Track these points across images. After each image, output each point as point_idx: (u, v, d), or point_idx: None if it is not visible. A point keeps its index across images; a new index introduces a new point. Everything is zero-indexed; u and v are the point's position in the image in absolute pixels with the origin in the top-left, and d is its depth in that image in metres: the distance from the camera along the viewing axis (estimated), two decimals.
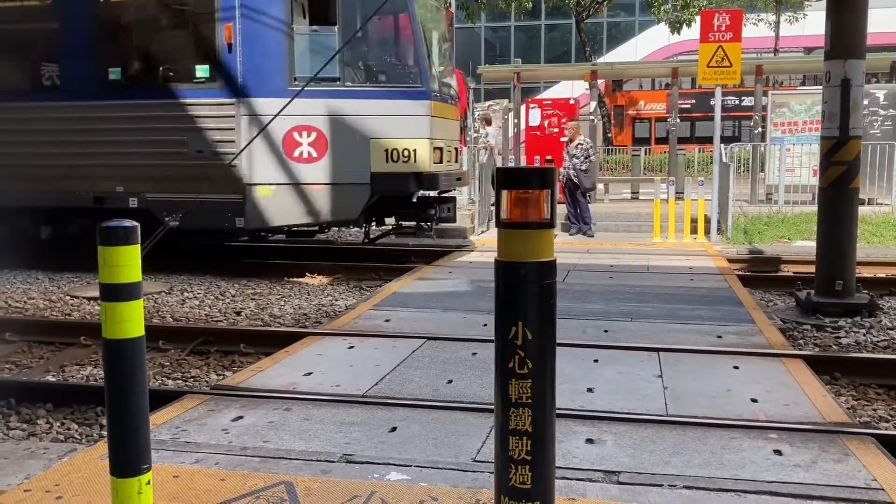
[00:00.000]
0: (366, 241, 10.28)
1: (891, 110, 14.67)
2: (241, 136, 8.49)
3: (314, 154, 8.53)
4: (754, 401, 4.08)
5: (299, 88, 8.23)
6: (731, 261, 9.44)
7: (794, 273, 9.17)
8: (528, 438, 2.10)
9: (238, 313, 7.40)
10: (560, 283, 7.77)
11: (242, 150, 8.43)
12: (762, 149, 15.59)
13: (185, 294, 8.32)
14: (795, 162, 14.72)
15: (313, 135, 8.53)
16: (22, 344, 6.35)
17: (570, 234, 12.21)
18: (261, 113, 8.46)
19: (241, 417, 3.80)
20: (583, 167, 11.82)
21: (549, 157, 14.97)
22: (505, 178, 2.11)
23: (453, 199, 9.74)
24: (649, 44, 34.77)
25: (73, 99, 8.97)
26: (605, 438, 3.52)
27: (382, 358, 4.95)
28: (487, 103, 21.48)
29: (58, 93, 9.09)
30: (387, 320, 6.09)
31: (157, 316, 7.27)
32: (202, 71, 8.77)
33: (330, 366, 4.80)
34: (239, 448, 3.40)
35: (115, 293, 2.28)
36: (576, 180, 11.82)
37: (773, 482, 3.01)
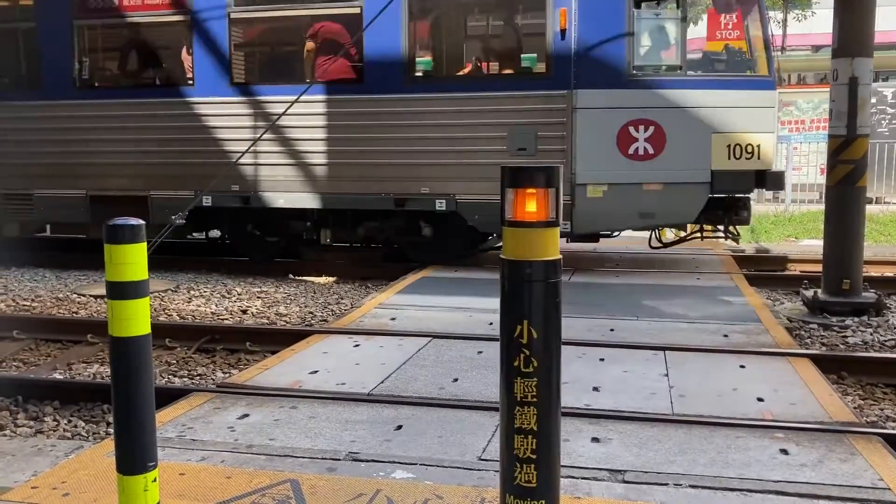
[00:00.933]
0: (657, 244, 9.08)
1: None
2: (574, 131, 7.67)
3: (651, 150, 7.73)
4: (760, 400, 4.07)
5: (639, 78, 7.65)
6: (737, 259, 9.41)
7: (801, 272, 9.14)
8: (533, 437, 2.10)
9: (244, 311, 7.42)
10: (566, 281, 7.77)
11: (573, 146, 7.72)
12: None
13: (192, 292, 8.34)
14: (802, 160, 14.69)
15: (650, 129, 7.71)
16: (29, 342, 6.38)
17: None
18: (595, 106, 7.74)
19: (246, 415, 3.81)
20: None
21: None
22: (510, 177, 2.10)
23: (748, 198, 8.44)
24: None
25: (376, 92, 8.23)
26: (611, 437, 3.52)
27: (388, 356, 4.95)
28: None
29: (359, 87, 8.35)
30: (392, 318, 6.09)
31: (163, 314, 7.30)
32: (529, 60, 8.11)
33: (335, 364, 4.81)
34: (245, 446, 3.41)
35: (122, 291, 2.28)
36: None
37: (779, 481, 3.00)
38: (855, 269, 6.48)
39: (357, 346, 5.26)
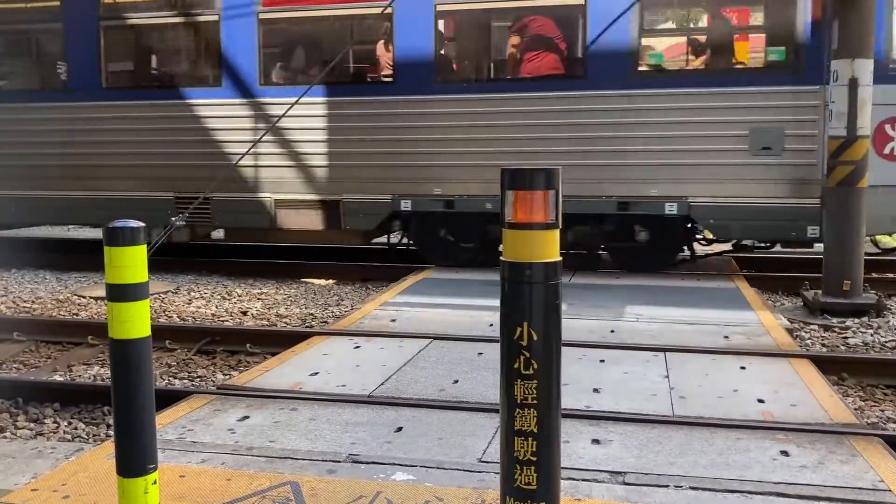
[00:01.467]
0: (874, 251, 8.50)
1: None
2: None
3: None
4: (761, 401, 4.07)
5: None
6: (735, 259, 9.42)
7: (800, 273, 9.14)
8: (533, 439, 2.10)
9: (244, 313, 7.42)
10: (566, 282, 7.77)
11: (824, 146, 7.15)
12: None
13: (192, 294, 8.34)
14: None
15: None
16: (30, 343, 6.38)
17: None
18: None
19: (247, 417, 3.81)
20: None
21: None
22: (510, 179, 2.10)
23: None
24: None
25: (600, 88, 7.77)
26: (612, 439, 3.51)
27: (388, 358, 4.95)
28: None
29: (580, 82, 7.88)
30: (393, 320, 6.09)
31: (163, 315, 7.30)
32: (776, 54, 7.62)
33: (336, 366, 4.81)
34: (245, 448, 3.41)
35: (122, 293, 2.28)
36: None
37: (779, 483, 3.00)
38: (855, 270, 6.48)
39: (357, 347, 5.26)
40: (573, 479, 3.06)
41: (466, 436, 3.56)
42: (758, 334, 5.59)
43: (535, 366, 2.09)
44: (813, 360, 4.90)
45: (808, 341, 6.08)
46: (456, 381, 4.45)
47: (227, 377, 5.45)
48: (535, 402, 2.10)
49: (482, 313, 6.28)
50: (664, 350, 5.11)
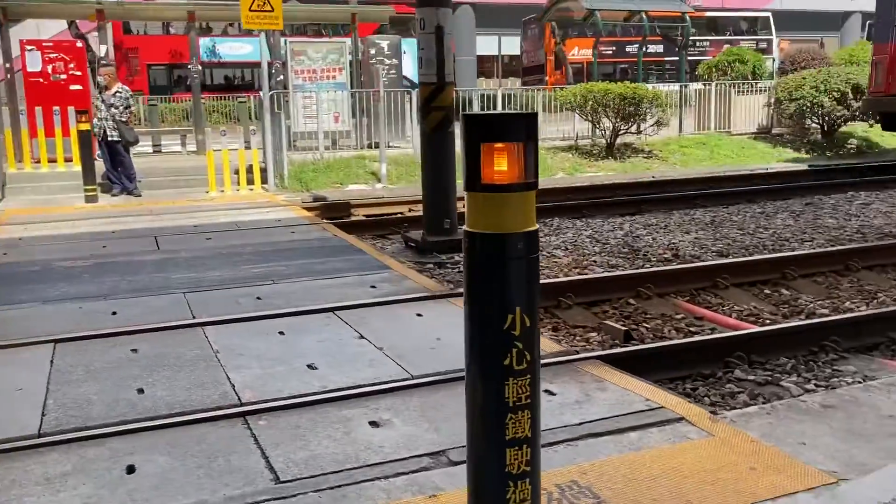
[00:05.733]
0: None
1: (394, 59, 16.10)
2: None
3: None
4: None
5: None
6: (306, 209, 9.43)
7: (366, 216, 9.58)
8: (528, 446, 1.73)
9: None
10: (159, 251, 6.86)
11: None
12: (285, 97, 15.75)
13: None
14: (317, 109, 15.23)
15: None
16: None
17: (113, 195, 10.84)
18: None
19: None
20: (123, 118, 10.50)
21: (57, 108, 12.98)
22: (482, 128, 1.64)
23: None
24: None
25: None
26: (387, 417, 3.18)
27: (16, 378, 3.73)
28: None
29: None
30: None
31: None
32: None
33: None
34: None
35: None
36: (116, 133, 10.45)
37: (582, 423, 3.04)
38: (452, 208, 6.96)
39: None
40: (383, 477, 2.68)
41: (227, 455, 2.86)
42: (399, 280, 5.64)
43: (528, 358, 1.71)
44: None
45: (437, 279, 6.35)
46: (141, 390, 3.56)
47: None
48: (528, 401, 1.73)
49: (83, 301, 5.17)
50: (332, 309, 4.83)
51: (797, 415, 3.08)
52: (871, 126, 16.79)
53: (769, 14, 34.29)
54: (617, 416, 3.11)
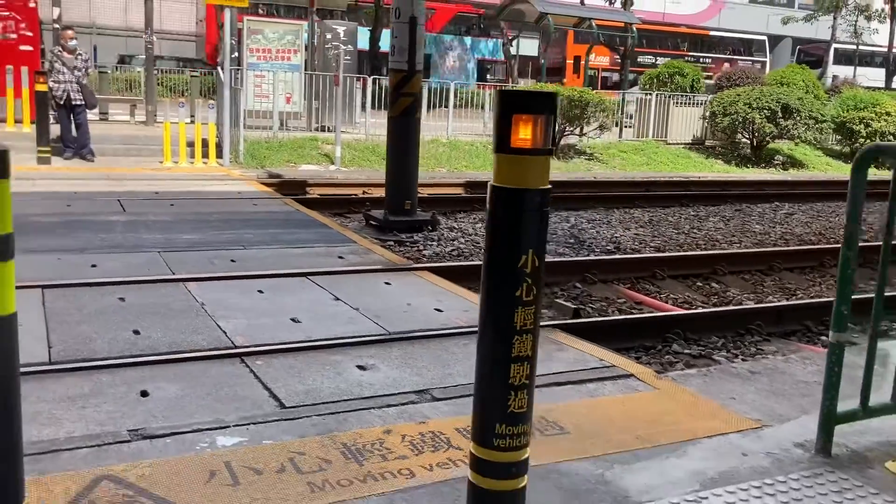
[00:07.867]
0: None
1: (349, 46, 16.33)
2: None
3: None
4: (438, 310, 4.49)
5: None
6: (263, 184, 9.64)
7: (321, 195, 9.85)
8: (528, 363, 2.13)
9: None
10: (126, 213, 7.02)
11: None
12: (238, 74, 15.81)
13: None
14: (269, 89, 15.36)
15: None
16: None
17: (66, 159, 10.80)
18: None
19: None
20: (84, 81, 10.50)
21: (10, 67, 12.82)
22: (513, 103, 2.04)
23: None
24: None
25: None
26: (374, 363, 3.54)
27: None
28: None
29: None
30: None
31: None
32: None
33: None
34: None
35: None
36: (79, 97, 10.43)
37: (559, 373, 3.46)
38: (413, 190, 7.32)
39: None
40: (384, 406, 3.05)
41: (235, 386, 3.19)
42: (364, 253, 5.99)
43: (535, 291, 2.11)
44: (431, 270, 5.53)
45: (399, 255, 6.70)
46: (137, 332, 3.83)
47: None
48: (532, 326, 2.12)
49: (77, 254, 5.36)
50: (305, 274, 5.15)
51: (729, 377, 3.57)
52: (796, 145, 17.85)
53: (765, 38, 36.78)
54: (575, 370, 3.55)
